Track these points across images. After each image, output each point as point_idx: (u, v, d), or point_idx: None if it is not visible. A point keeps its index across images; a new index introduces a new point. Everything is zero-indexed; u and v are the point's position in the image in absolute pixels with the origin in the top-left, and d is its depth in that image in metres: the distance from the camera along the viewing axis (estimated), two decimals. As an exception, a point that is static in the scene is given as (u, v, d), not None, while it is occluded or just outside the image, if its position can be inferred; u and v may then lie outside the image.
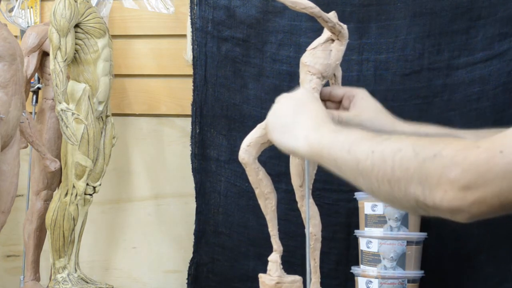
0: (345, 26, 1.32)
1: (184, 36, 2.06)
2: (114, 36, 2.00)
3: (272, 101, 2.00)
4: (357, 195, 1.73)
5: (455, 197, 0.80)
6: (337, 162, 0.95)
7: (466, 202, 0.79)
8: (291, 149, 1.07)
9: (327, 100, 1.30)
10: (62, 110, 1.73)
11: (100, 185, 1.88)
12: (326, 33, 1.33)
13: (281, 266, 1.35)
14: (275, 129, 1.10)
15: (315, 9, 1.27)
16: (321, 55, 1.31)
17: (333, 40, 1.32)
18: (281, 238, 1.36)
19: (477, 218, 0.81)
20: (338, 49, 1.32)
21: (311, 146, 1.01)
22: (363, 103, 1.26)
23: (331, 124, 1.02)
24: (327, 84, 1.44)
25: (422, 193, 0.83)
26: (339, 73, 1.38)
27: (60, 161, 1.84)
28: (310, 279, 1.34)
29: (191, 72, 2.00)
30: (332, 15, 1.30)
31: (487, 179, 0.77)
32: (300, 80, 1.36)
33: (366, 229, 1.69)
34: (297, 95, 1.13)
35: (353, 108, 1.26)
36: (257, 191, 1.32)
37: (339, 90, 1.30)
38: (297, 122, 1.06)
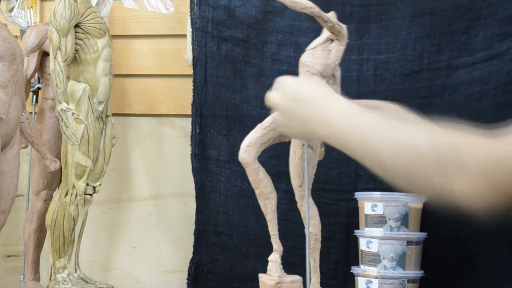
0: (344, 26, 1.32)
1: (184, 36, 2.06)
2: (114, 36, 2.00)
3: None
4: (357, 195, 1.73)
5: (470, 185, 0.81)
6: (356, 151, 0.97)
7: (482, 190, 0.81)
8: (313, 140, 1.07)
9: None
10: (62, 110, 1.73)
11: (100, 185, 1.88)
12: (325, 33, 1.33)
13: (281, 266, 1.35)
14: (293, 133, 1.12)
15: (314, 9, 1.27)
16: (321, 55, 1.32)
17: (332, 40, 1.32)
18: (281, 238, 1.36)
19: (492, 207, 0.82)
20: (337, 49, 1.32)
21: (328, 139, 1.02)
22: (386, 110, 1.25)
23: (340, 106, 1.02)
24: (326, 84, 1.44)
25: (438, 181, 0.85)
26: (338, 73, 1.38)
27: (60, 161, 1.84)
28: (310, 279, 1.34)
29: (191, 72, 2.00)
30: (332, 15, 1.30)
31: (503, 170, 0.79)
32: (300, 80, 1.36)
33: (366, 229, 1.69)
34: (291, 86, 1.12)
35: None
36: (257, 191, 1.32)
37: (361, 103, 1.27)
38: (307, 118, 1.05)
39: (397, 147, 0.89)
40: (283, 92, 1.11)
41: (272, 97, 1.13)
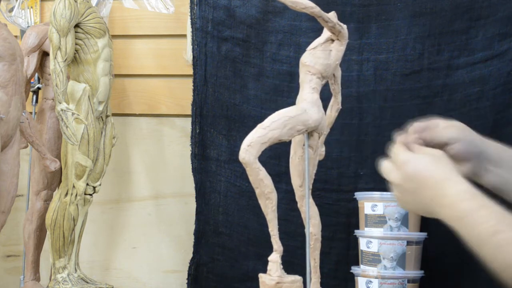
0: (345, 26, 1.32)
1: (184, 36, 2.06)
2: (114, 36, 2.00)
3: (272, 101, 2.01)
4: (357, 195, 1.73)
5: None
6: (468, 241, 1.02)
7: None
8: (427, 214, 1.10)
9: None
10: (62, 110, 1.73)
11: (100, 185, 1.88)
12: (326, 33, 1.33)
13: (281, 266, 1.35)
14: (410, 208, 1.14)
15: (315, 9, 1.27)
16: (321, 55, 1.32)
17: (333, 40, 1.32)
18: (281, 238, 1.35)
19: None
20: (338, 49, 1.32)
21: (448, 223, 1.05)
22: (451, 123, 1.23)
23: (456, 199, 1.04)
24: (326, 84, 1.44)
25: None
26: (339, 73, 1.38)
27: (60, 161, 1.84)
28: (310, 279, 1.34)
29: (191, 72, 2.00)
30: (332, 15, 1.30)
31: None
32: (300, 80, 1.36)
33: (366, 229, 1.69)
34: (414, 169, 1.10)
35: (446, 127, 1.22)
36: (257, 191, 1.32)
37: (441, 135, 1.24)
38: (428, 203, 1.08)
39: (497, 260, 0.95)
40: (405, 172, 1.10)
41: (392, 176, 1.13)
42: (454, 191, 1.04)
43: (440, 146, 1.18)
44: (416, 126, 1.20)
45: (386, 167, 1.13)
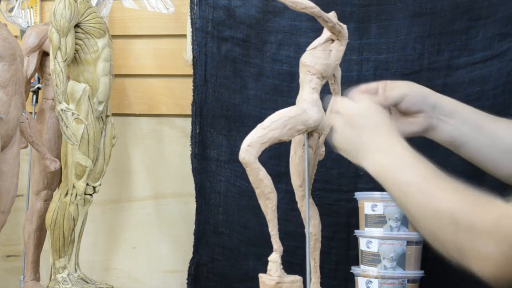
0: (344, 26, 1.32)
1: (184, 36, 2.06)
2: (114, 36, 2.00)
3: (272, 101, 2.01)
4: (357, 195, 1.73)
5: (490, 272, 0.84)
6: (393, 197, 1.02)
7: (502, 276, 0.83)
8: (359, 165, 1.11)
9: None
10: (62, 110, 1.73)
11: (100, 185, 1.88)
12: (326, 33, 1.33)
13: (281, 266, 1.35)
14: (344, 149, 1.15)
15: (315, 9, 1.27)
16: (321, 55, 1.32)
17: (333, 40, 1.32)
18: (281, 238, 1.35)
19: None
20: (338, 49, 1.32)
21: (377, 173, 1.06)
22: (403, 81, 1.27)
23: (397, 147, 1.06)
24: (326, 85, 1.44)
25: (459, 258, 0.88)
26: (339, 73, 1.38)
27: (60, 161, 1.84)
28: (310, 279, 1.34)
29: (191, 72, 2.00)
30: (332, 15, 1.30)
31: None
32: (300, 80, 1.36)
33: (366, 229, 1.69)
34: (364, 110, 1.15)
35: (394, 85, 1.26)
36: (257, 191, 1.32)
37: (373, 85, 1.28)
38: (364, 143, 1.10)
39: (426, 213, 0.92)
40: (357, 106, 1.15)
41: (344, 102, 1.18)
42: (394, 144, 1.06)
43: (393, 106, 1.22)
44: (365, 88, 1.22)
45: (331, 115, 1.18)
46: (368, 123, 1.11)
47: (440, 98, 1.24)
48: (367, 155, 1.08)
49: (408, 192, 0.96)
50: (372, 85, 1.27)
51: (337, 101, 1.20)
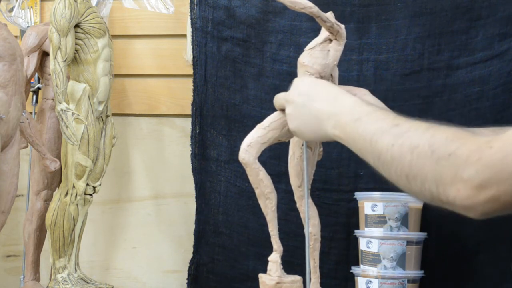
0: (343, 26, 1.32)
1: (184, 36, 2.06)
2: (114, 36, 2.00)
3: (272, 101, 2.00)
4: (357, 195, 1.73)
5: (468, 196, 0.82)
6: (361, 151, 1.01)
7: (479, 200, 0.81)
8: (320, 140, 1.13)
9: None
10: (62, 110, 1.73)
11: (100, 185, 1.88)
12: (324, 33, 1.33)
13: (281, 266, 1.35)
14: (304, 133, 1.17)
15: (314, 9, 1.27)
16: (319, 55, 1.31)
17: (331, 40, 1.32)
18: (281, 238, 1.35)
19: (490, 215, 0.83)
20: (336, 49, 1.32)
21: (339, 137, 1.06)
22: (366, 99, 1.27)
23: (349, 103, 1.06)
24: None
25: (436, 190, 0.86)
26: (336, 74, 1.38)
27: (60, 161, 1.84)
28: (310, 279, 1.34)
29: (191, 72, 2.00)
30: (330, 15, 1.30)
31: (500, 178, 0.79)
32: (299, 80, 1.36)
33: (366, 229, 1.69)
34: (299, 89, 1.18)
35: None
36: (257, 191, 1.32)
37: None
38: (317, 117, 1.11)
39: (400, 150, 0.91)
40: (298, 89, 1.18)
41: (287, 93, 1.20)
42: (348, 100, 1.08)
43: None
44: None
45: (279, 95, 1.21)
46: (315, 94, 1.13)
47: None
48: (327, 122, 1.08)
49: (380, 140, 0.95)
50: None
51: (281, 96, 1.23)
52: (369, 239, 1.66)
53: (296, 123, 1.17)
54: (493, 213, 0.82)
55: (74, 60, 1.80)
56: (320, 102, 1.11)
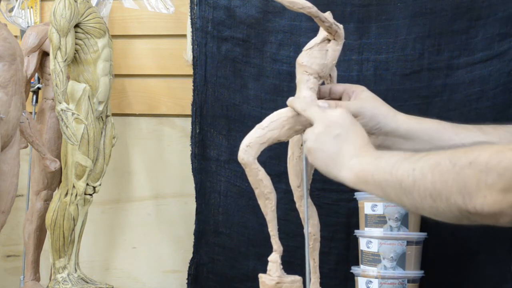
0: (341, 26, 1.32)
1: (184, 36, 2.06)
2: (114, 36, 2.00)
3: (272, 101, 2.01)
4: (357, 195, 1.73)
5: (495, 201, 0.82)
6: (382, 185, 0.99)
7: (506, 204, 0.81)
8: (336, 178, 1.11)
9: (326, 97, 1.30)
10: (62, 110, 1.73)
11: (100, 185, 1.88)
12: (322, 33, 1.33)
13: (281, 266, 1.35)
14: (318, 157, 1.15)
15: (312, 9, 1.27)
16: (318, 55, 1.31)
17: (329, 40, 1.32)
18: (281, 238, 1.35)
19: None
20: (334, 49, 1.32)
21: (357, 175, 1.05)
22: (364, 95, 1.27)
23: (373, 150, 1.07)
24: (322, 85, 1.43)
25: (463, 201, 0.85)
26: (335, 74, 1.38)
27: (60, 161, 1.84)
28: (310, 279, 1.34)
29: (191, 72, 2.00)
30: (328, 15, 1.30)
31: None
32: (297, 81, 1.36)
33: (366, 229, 1.69)
34: (338, 119, 1.14)
35: (354, 99, 1.26)
36: (256, 191, 1.32)
37: (338, 87, 1.31)
38: (339, 153, 1.10)
39: (421, 172, 0.91)
40: (339, 117, 1.14)
41: (321, 112, 1.17)
42: (373, 150, 1.07)
43: None
44: (329, 89, 1.26)
45: (311, 109, 1.18)
46: (351, 134, 1.11)
47: (394, 120, 1.24)
48: (347, 161, 1.08)
49: (400, 168, 0.95)
50: (338, 87, 1.29)
51: (312, 109, 1.20)
52: (369, 239, 1.66)
53: (317, 146, 1.15)
54: None
55: (74, 60, 1.80)
56: (350, 144, 1.10)
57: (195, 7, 1.98)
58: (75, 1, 1.77)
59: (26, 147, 1.89)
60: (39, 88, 2.03)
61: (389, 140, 1.23)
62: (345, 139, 1.11)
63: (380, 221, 1.66)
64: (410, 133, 1.22)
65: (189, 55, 2.02)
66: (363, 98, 1.27)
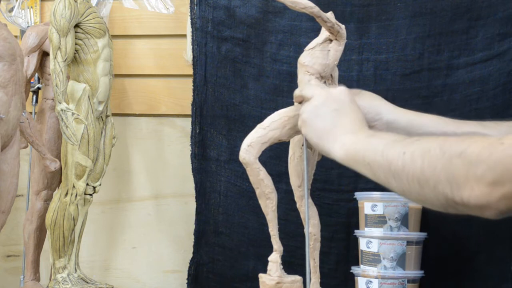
0: (343, 26, 1.32)
1: (184, 36, 2.06)
2: (114, 36, 2.00)
3: (272, 101, 2.01)
4: (357, 195, 1.73)
5: (482, 193, 0.81)
6: (371, 165, 0.99)
7: (493, 198, 0.81)
8: (326, 152, 1.10)
9: None
10: (62, 110, 1.74)
11: (100, 185, 1.88)
12: (324, 33, 1.33)
13: (281, 266, 1.35)
14: (312, 129, 1.14)
15: (314, 9, 1.27)
16: (320, 55, 1.31)
17: (331, 40, 1.32)
18: (281, 238, 1.35)
19: (506, 214, 0.82)
20: (336, 49, 1.32)
21: (347, 151, 1.05)
22: (363, 92, 1.28)
23: (367, 129, 1.07)
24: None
25: (450, 191, 0.85)
26: (336, 74, 1.38)
27: (60, 161, 1.84)
28: (310, 279, 1.34)
29: (191, 72, 2.00)
30: (330, 15, 1.30)
31: None
32: (298, 81, 1.36)
33: (366, 229, 1.69)
34: (338, 95, 1.15)
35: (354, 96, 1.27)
36: (257, 191, 1.32)
37: None
38: (334, 127, 1.10)
39: (411, 157, 0.90)
40: (337, 94, 1.15)
41: (323, 88, 1.19)
42: (368, 129, 1.07)
43: None
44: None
45: (311, 87, 1.18)
46: (348, 110, 1.11)
47: (395, 112, 1.24)
48: (340, 137, 1.07)
49: (391, 150, 0.95)
50: None
51: (310, 88, 1.20)
52: (369, 239, 1.66)
53: (313, 118, 1.15)
54: (508, 211, 0.81)
55: (74, 60, 1.80)
56: (346, 119, 1.10)
57: (195, 7, 1.98)
58: (75, 1, 1.77)
59: (26, 147, 1.89)
60: (39, 88, 2.03)
61: (390, 131, 1.23)
62: (343, 114, 1.11)
63: (380, 221, 1.66)
64: (411, 125, 1.23)
65: (189, 55, 2.02)
66: (363, 94, 1.27)
